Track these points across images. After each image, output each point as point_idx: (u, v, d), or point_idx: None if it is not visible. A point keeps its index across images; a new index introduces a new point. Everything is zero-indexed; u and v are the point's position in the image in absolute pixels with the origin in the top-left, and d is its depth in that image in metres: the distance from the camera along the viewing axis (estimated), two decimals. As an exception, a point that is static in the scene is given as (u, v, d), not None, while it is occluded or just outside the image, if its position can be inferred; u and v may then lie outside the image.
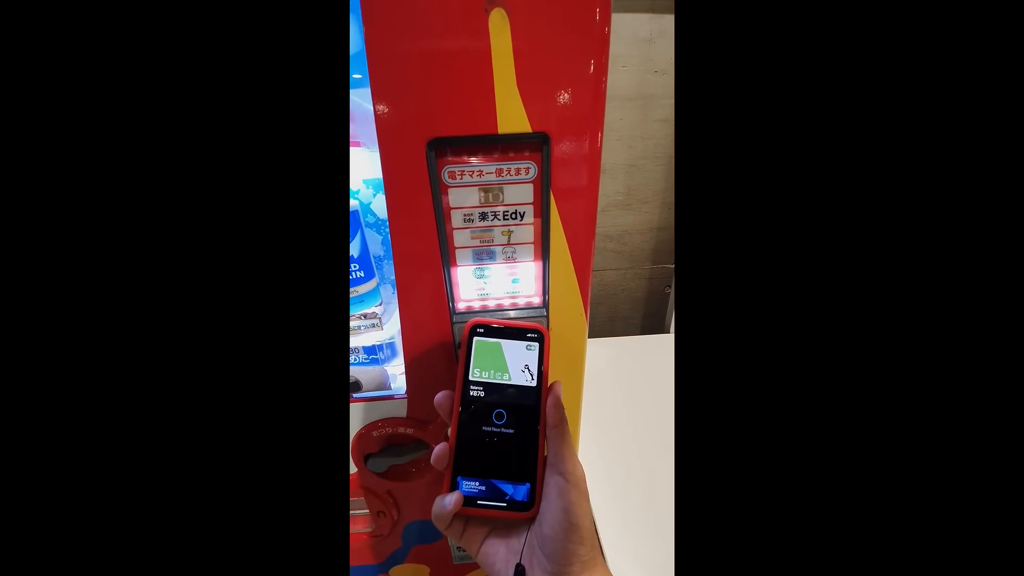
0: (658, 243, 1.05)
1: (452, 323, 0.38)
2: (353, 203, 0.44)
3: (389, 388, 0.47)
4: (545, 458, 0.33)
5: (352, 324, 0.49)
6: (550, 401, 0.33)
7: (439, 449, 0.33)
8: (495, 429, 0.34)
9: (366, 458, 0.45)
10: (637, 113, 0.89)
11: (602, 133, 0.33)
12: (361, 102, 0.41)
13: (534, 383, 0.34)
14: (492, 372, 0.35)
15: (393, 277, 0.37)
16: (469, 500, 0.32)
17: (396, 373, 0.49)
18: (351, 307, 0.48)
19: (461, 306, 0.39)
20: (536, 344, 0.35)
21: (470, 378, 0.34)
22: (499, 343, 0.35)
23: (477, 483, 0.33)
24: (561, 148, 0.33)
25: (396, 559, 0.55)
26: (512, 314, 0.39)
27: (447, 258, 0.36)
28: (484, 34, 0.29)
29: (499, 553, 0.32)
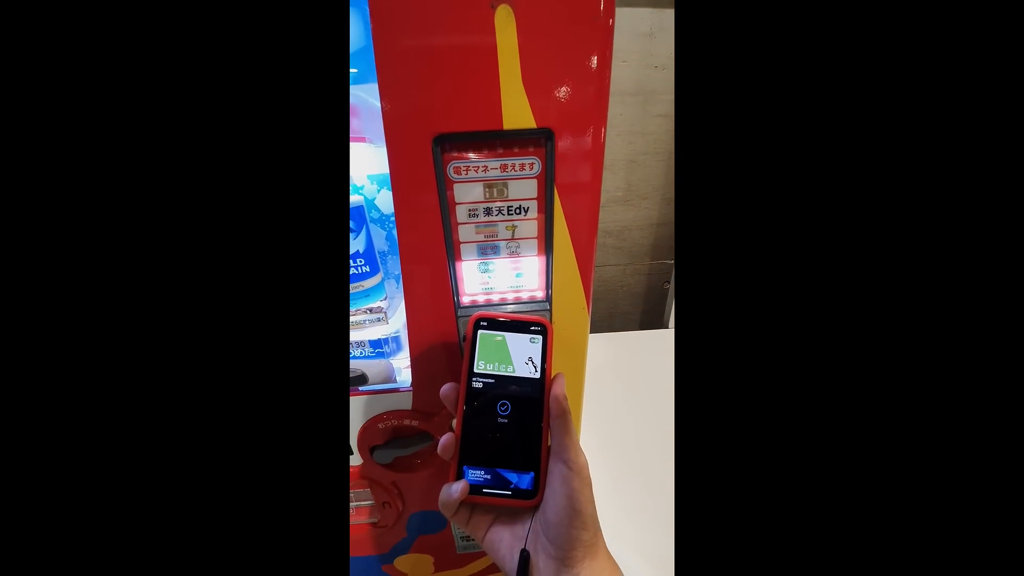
0: (657, 239, 1.05)
1: (457, 317, 0.39)
2: (358, 199, 0.45)
3: (395, 381, 0.48)
4: (548, 448, 0.34)
5: (358, 319, 0.49)
6: (553, 392, 0.33)
7: (445, 439, 0.34)
8: (500, 420, 0.34)
9: (372, 450, 0.46)
10: (637, 108, 0.90)
11: (605, 128, 0.34)
12: (367, 98, 0.42)
13: (537, 375, 0.35)
14: (496, 364, 0.35)
15: (398, 272, 0.37)
16: (475, 488, 0.33)
17: (401, 366, 0.50)
18: (357, 302, 0.48)
19: (466, 300, 0.39)
20: (539, 337, 0.36)
21: (475, 370, 0.35)
22: (503, 336, 0.36)
23: (483, 472, 0.34)
24: (565, 144, 0.33)
25: (400, 549, 0.56)
26: (515, 308, 0.40)
27: (452, 253, 0.37)
28: (490, 30, 0.30)
29: (504, 539, 0.33)
